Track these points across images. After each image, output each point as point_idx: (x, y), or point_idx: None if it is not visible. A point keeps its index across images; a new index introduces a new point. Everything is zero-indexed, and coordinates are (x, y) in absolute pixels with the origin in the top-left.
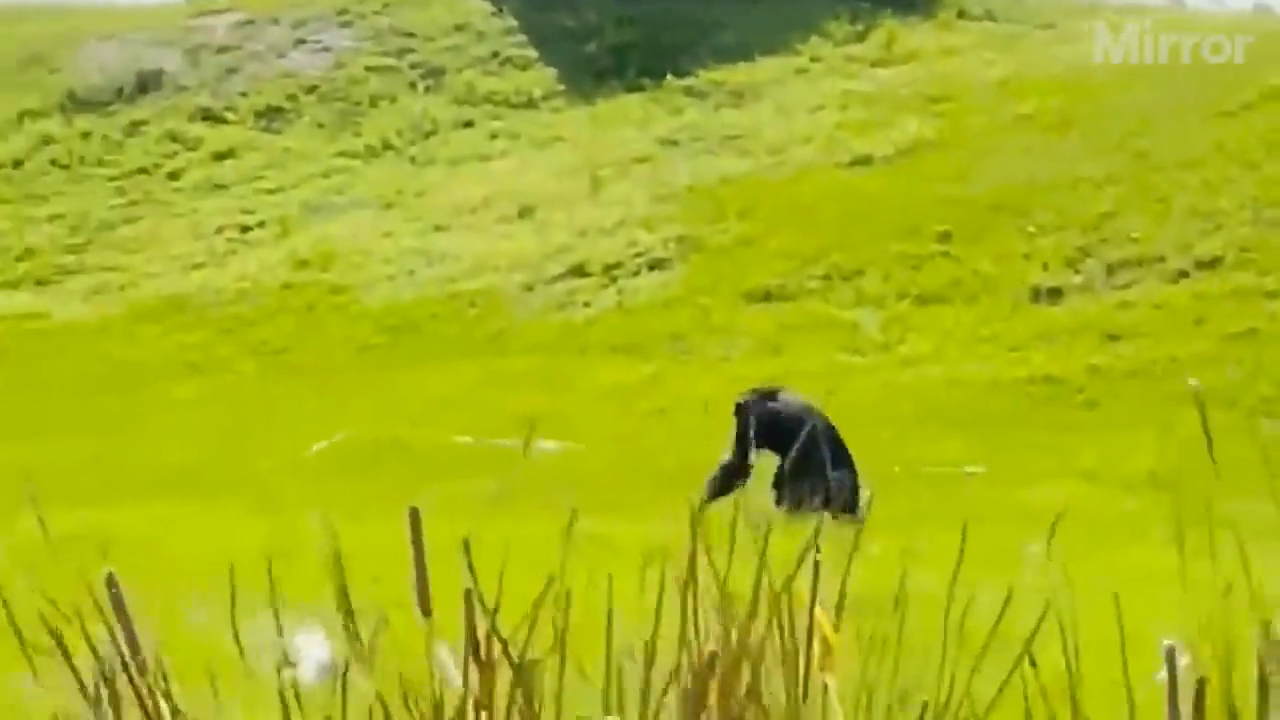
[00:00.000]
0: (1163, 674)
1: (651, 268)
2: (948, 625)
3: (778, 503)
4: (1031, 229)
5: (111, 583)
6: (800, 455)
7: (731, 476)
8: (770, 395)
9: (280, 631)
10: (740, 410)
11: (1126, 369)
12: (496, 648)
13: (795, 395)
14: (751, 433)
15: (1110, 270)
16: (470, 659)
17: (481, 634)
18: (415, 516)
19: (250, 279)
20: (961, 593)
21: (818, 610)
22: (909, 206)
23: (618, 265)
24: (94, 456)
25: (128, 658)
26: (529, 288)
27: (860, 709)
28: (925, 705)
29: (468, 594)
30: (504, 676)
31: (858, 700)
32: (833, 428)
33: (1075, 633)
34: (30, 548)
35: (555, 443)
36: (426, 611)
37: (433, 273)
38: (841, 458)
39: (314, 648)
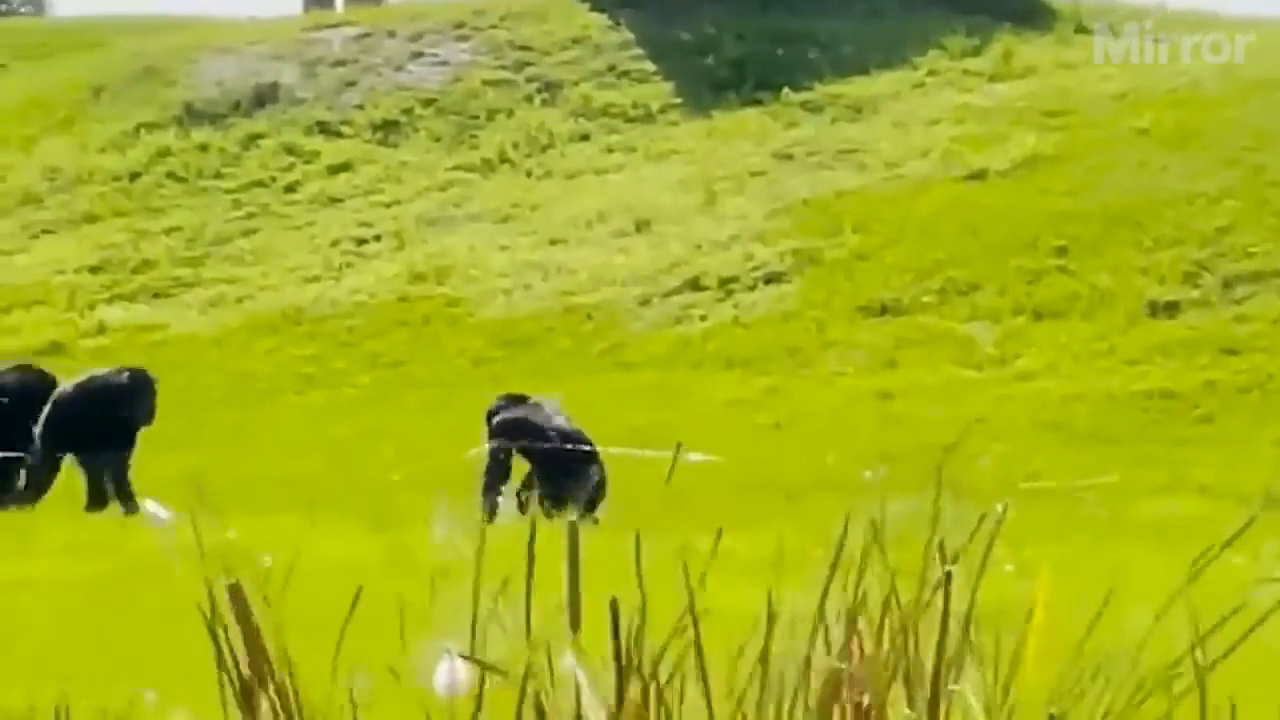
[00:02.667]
0: None
1: (768, 281)
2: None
3: (521, 507)
4: (1148, 243)
5: (236, 593)
6: (554, 458)
7: (495, 482)
8: (520, 400)
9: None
10: (489, 416)
11: (1242, 384)
12: (635, 664)
13: (547, 400)
14: (502, 437)
15: (1227, 284)
16: (616, 674)
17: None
18: (573, 531)
19: (366, 292)
20: (1081, 607)
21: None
22: (1025, 221)
23: (734, 279)
24: (210, 469)
25: (254, 669)
26: (645, 301)
27: None
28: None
29: (613, 605)
30: (638, 692)
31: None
32: (581, 433)
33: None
34: (147, 560)
35: (700, 455)
36: (576, 626)
37: (549, 286)
38: (593, 461)
39: (442, 663)
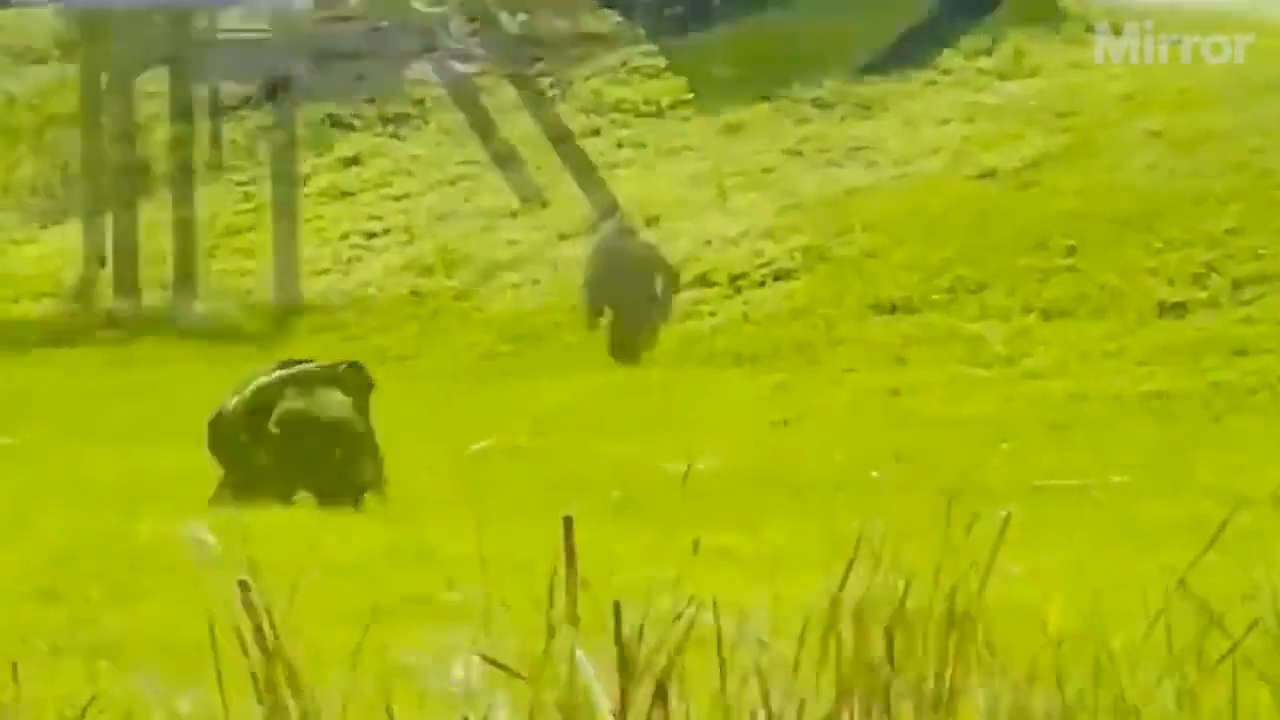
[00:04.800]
0: None
1: (777, 278)
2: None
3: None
4: (1157, 244)
5: (245, 589)
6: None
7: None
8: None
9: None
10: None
11: (1251, 385)
12: (640, 665)
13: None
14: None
15: (1236, 286)
16: (621, 675)
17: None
18: (569, 525)
19: (375, 285)
20: (1091, 608)
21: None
22: (1035, 220)
23: (743, 275)
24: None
25: (266, 666)
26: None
27: None
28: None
29: (616, 607)
30: (645, 693)
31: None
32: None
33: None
34: (157, 551)
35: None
36: (574, 621)
37: (557, 281)
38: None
39: (456, 657)
